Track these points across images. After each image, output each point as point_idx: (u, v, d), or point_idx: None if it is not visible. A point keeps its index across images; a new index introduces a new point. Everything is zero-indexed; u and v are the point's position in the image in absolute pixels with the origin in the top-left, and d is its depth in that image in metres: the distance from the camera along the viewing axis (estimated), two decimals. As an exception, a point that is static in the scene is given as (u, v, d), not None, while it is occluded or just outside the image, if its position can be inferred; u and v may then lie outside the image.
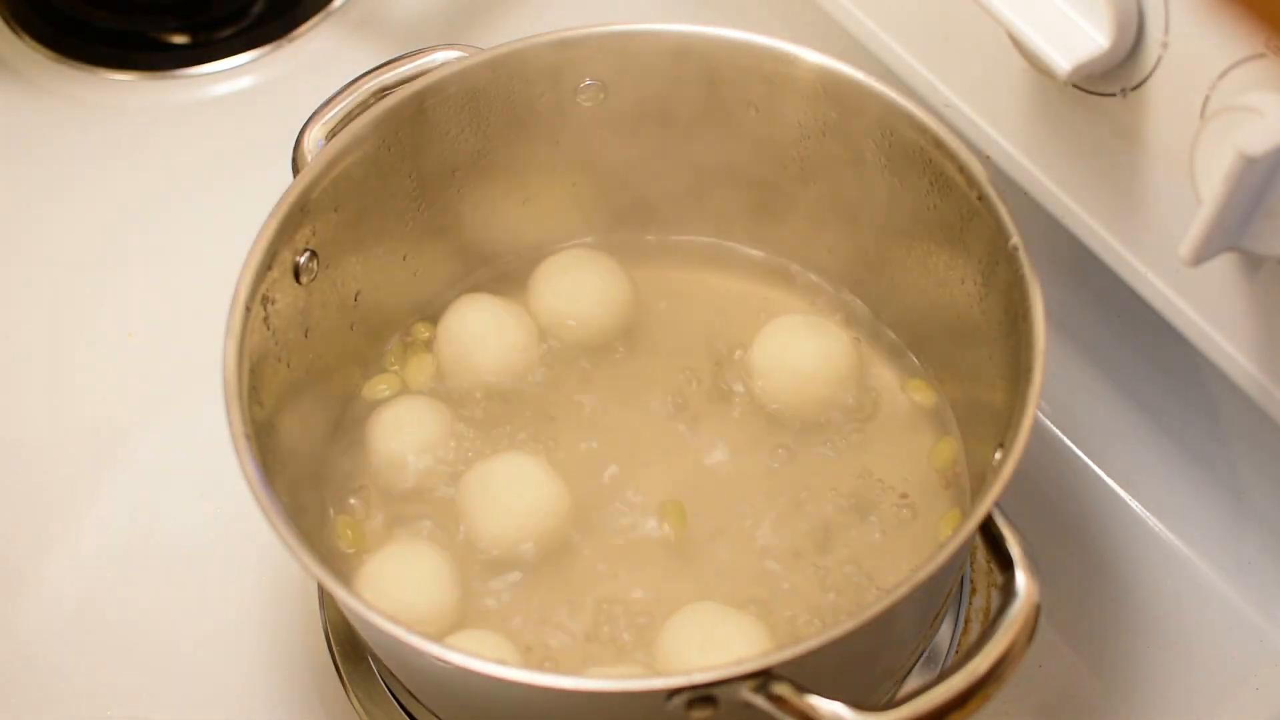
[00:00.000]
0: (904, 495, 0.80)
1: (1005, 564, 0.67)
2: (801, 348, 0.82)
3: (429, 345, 0.85)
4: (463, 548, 0.78)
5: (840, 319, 0.85)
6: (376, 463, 0.81)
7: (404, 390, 0.83)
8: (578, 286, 0.84)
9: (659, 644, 0.74)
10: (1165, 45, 0.69)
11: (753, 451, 0.82)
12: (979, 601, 0.84)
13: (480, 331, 0.83)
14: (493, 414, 0.83)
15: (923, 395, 0.83)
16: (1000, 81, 0.78)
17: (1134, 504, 0.87)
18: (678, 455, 0.82)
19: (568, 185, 0.86)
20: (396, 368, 0.84)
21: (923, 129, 0.77)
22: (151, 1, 1.08)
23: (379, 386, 0.83)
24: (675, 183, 0.86)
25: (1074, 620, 0.83)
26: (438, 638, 0.71)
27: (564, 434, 0.82)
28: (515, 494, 0.78)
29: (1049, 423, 0.89)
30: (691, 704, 0.64)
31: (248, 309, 0.73)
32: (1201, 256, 0.67)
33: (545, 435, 0.82)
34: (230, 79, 1.04)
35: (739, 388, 0.83)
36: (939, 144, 0.76)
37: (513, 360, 0.83)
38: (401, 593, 0.75)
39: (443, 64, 0.79)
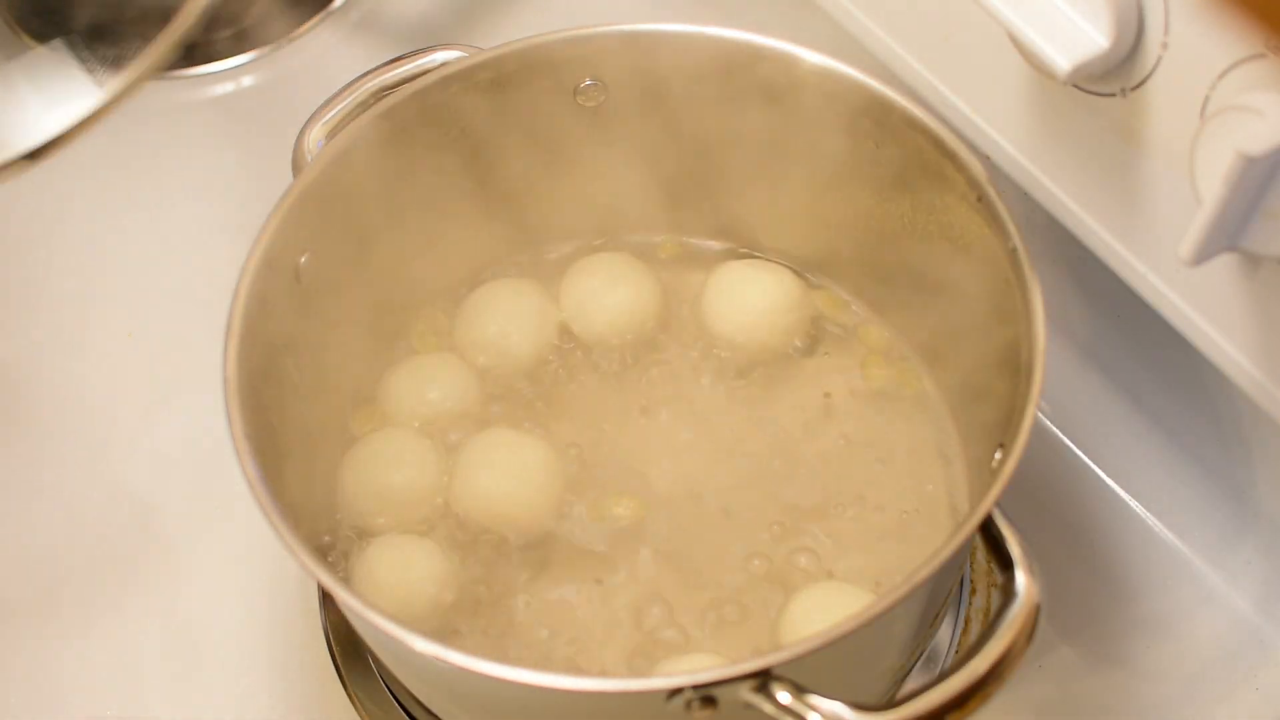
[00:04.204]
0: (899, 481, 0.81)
1: (1005, 564, 0.67)
2: (751, 288, 0.83)
3: (440, 330, 0.85)
4: (454, 526, 0.79)
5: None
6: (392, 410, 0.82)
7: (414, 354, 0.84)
8: (607, 289, 0.84)
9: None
10: (1165, 45, 0.69)
11: (761, 449, 0.82)
12: (979, 601, 0.84)
13: (501, 318, 0.83)
14: (501, 398, 0.83)
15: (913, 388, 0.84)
16: (1000, 81, 0.78)
17: (1134, 504, 0.87)
18: (681, 451, 0.82)
19: (569, 186, 0.86)
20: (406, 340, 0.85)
21: (923, 129, 0.77)
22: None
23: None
24: (676, 183, 0.86)
25: (1074, 620, 0.83)
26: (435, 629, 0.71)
27: (567, 428, 0.82)
28: (506, 471, 0.78)
29: (1049, 423, 0.89)
30: (692, 704, 0.64)
31: (248, 309, 0.73)
32: (1201, 256, 0.67)
33: (549, 426, 0.82)
34: (230, 79, 1.04)
35: (743, 383, 0.83)
36: (939, 144, 0.76)
37: (530, 349, 0.83)
38: (400, 590, 0.75)
39: (443, 64, 0.79)
